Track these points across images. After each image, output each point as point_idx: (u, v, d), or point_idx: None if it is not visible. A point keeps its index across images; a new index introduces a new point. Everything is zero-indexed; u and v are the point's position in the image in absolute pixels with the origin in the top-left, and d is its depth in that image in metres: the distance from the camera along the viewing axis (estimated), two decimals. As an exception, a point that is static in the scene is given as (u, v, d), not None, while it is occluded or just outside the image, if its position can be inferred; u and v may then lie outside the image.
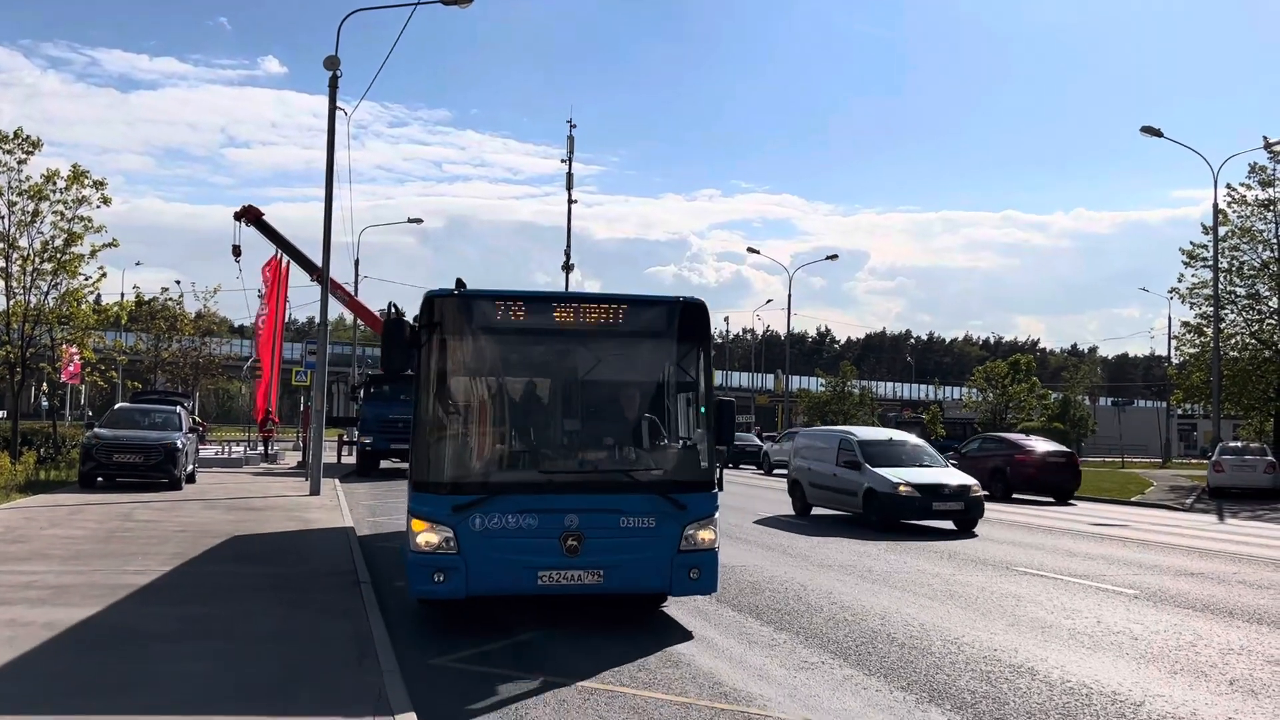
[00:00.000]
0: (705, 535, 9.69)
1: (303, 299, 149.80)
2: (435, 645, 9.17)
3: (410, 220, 47.09)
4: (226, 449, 38.06)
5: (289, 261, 35.73)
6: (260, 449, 38.46)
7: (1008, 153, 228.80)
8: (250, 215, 35.70)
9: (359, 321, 47.87)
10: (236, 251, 35.87)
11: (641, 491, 9.57)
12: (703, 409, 9.97)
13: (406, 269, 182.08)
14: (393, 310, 10.98)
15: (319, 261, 26.78)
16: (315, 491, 23.55)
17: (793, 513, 23.12)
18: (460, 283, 9.81)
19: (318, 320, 27.24)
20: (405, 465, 33.97)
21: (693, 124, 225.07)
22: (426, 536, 9.18)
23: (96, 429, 24.73)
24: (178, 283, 51.71)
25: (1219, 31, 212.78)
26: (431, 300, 9.55)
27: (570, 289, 46.80)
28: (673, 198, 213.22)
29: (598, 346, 10.06)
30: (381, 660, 8.04)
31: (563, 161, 53.84)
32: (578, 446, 10.15)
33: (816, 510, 22.88)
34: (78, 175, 26.06)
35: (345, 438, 40.51)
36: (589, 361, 10.15)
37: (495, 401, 10.05)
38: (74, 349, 30.23)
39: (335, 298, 37.16)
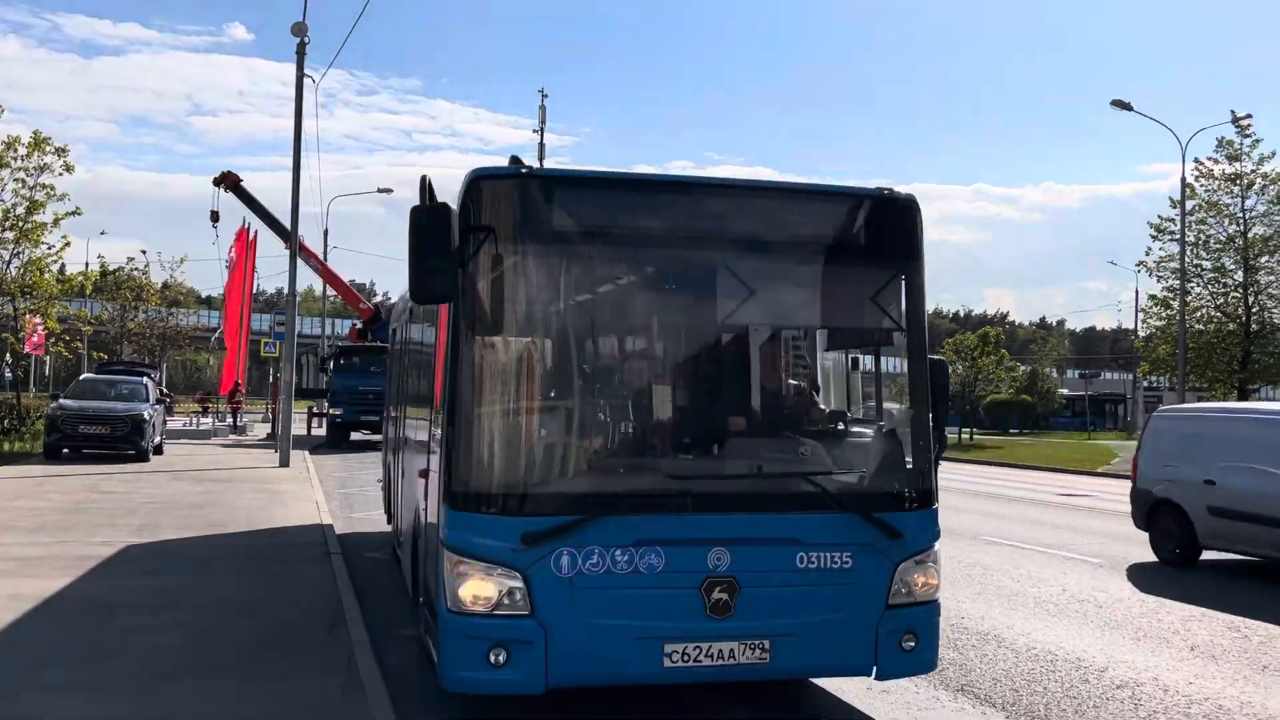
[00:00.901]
0: (925, 579, 6.20)
1: (274, 269, 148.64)
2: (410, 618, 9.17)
3: (380, 190, 46.69)
4: (194, 421, 37.77)
5: (256, 232, 35.50)
6: (229, 420, 38.19)
7: (977, 126, 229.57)
8: (229, 181, 35.43)
9: (329, 292, 47.52)
10: (215, 217, 35.60)
11: (830, 509, 5.99)
12: (913, 374, 6.37)
13: (376, 239, 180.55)
14: (428, 188, 5.89)
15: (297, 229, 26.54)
16: (285, 463, 23.41)
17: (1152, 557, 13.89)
18: (517, 160, 6.08)
19: (286, 291, 27.00)
20: (377, 437, 33.92)
21: (667, 95, 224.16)
22: (476, 587, 5.60)
23: (62, 400, 24.44)
24: (143, 252, 51.02)
25: (1190, 5, 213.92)
26: (478, 184, 5.81)
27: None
28: (644, 169, 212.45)
29: (751, 268, 6.22)
30: (352, 631, 8.04)
31: (535, 132, 53.40)
32: (720, 435, 6.34)
33: (1212, 555, 13.57)
34: (39, 142, 25.67)
35: (315, 409, 40.30)
36: (735, 294, 6.25)
37: (584, 359, 6.32)
38: (38, 319, 29.83)
39: (309, 265, 36.96)
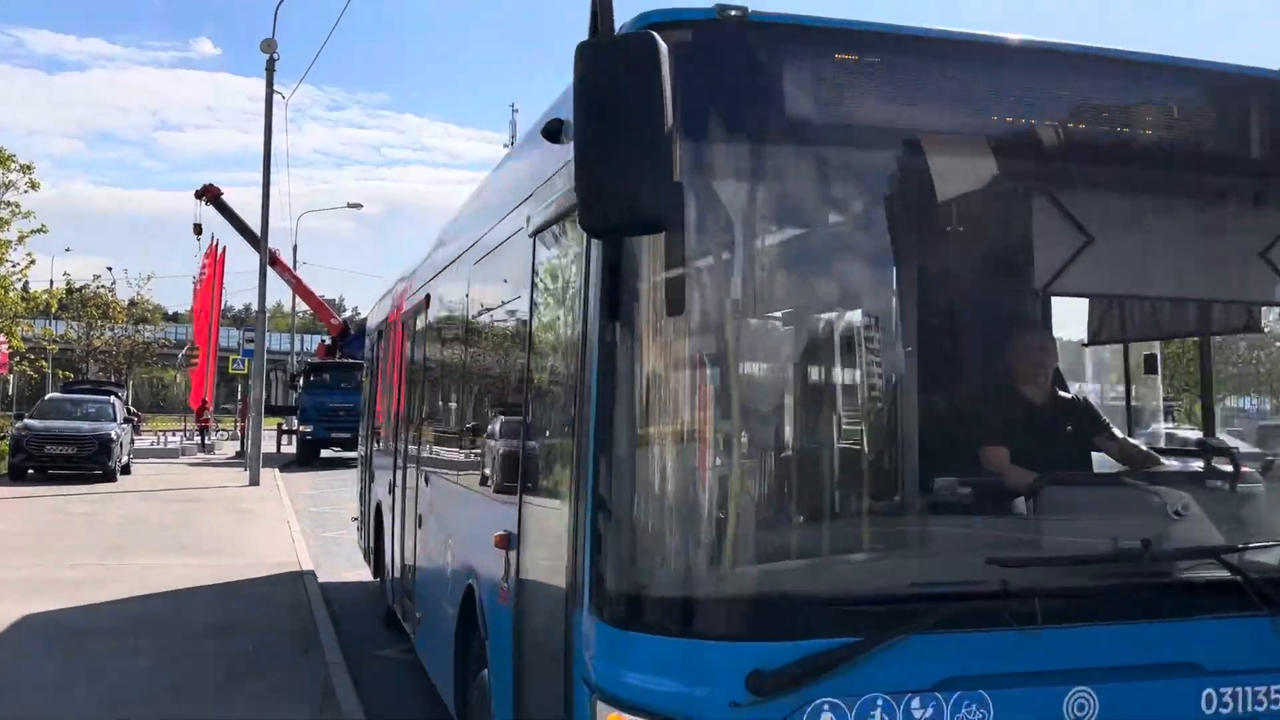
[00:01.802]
0: None
1: (241, 285, 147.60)
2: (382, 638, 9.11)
3: (350, 205, 46.48)
4: (162, 439, 37.37)
5: (225, 249, 35.37)
6: (197, 439, 37.80)
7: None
8: (210, 194, 35.26)
9: (299, 307, 47.20)
10: (198, 230, 35.45)
11: (1250, 610, 3.33)
12: None
13: (346, 254, 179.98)
14: (606, 6, 2.87)
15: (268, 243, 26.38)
16: (255, 482, 23.21)
17: None
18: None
19: (255, 307, 26.86)
20: (349, 455, 33.57)
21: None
22: None
23: (27, 420, 24.12)
24: (110, 269, 50.63)
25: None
26: (681, 28, 3.02)
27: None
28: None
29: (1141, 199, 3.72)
30: (327, 653, 7.97)
31: (505, 146, 53.54)
32: (1074, 486, 3.83)
33: None
34: (2, 159, 25.38)
35: (284, 426, 39.99)
36: (1112, 251, 3.61)
37: (850, 360, 3.65)
38: (2, 337, 29.45)
39: (283, 280, 36.76)
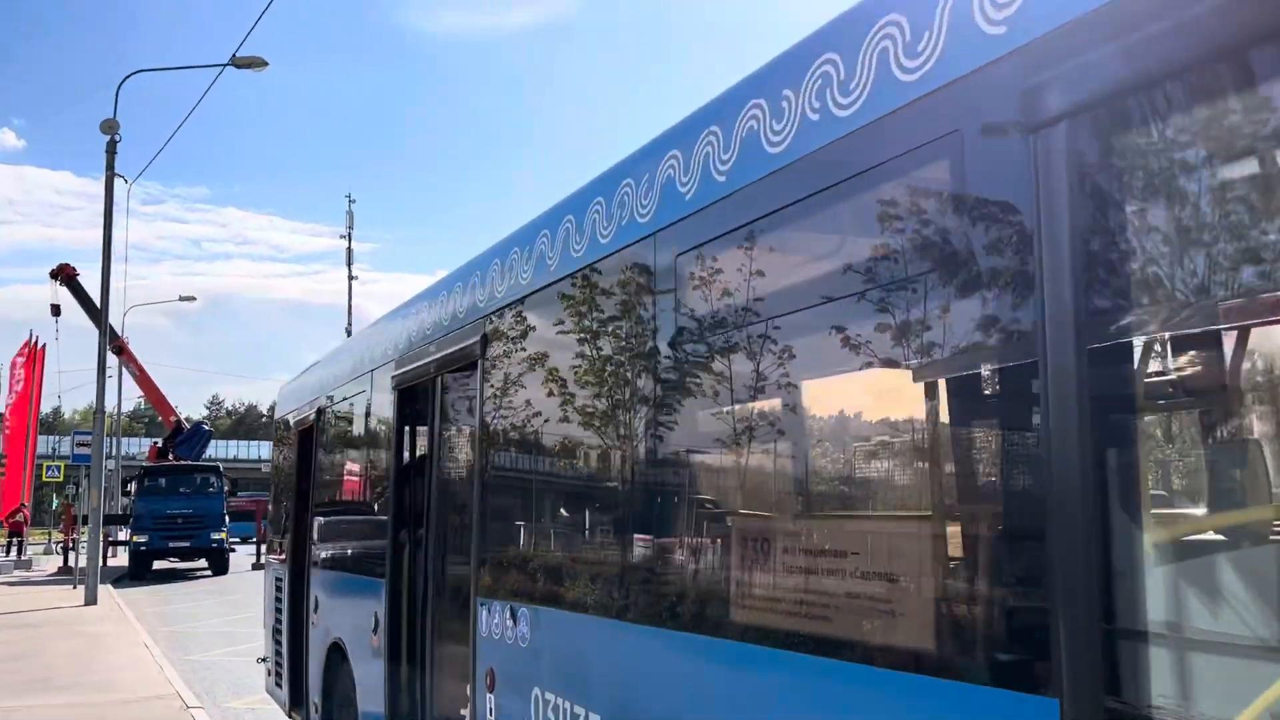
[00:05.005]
0: None
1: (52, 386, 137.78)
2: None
3: (182, 298, 43.84)
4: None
5: (44, 346, 32.87)
6: (13, 554, 34.39)
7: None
8: (65, 274, 32.81)
9: (123, 407, 43.94)
10: (56, 310, 32.91)
11: None
12: None
13: (161, 353, 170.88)
14: None
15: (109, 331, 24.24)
16: (92, 600, 20.87)
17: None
18: None
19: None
20: (183, 566, 31.15)
21: (470, 205, 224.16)
22: None
23: None
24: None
25: None
26: None
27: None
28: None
29: None
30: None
31: (342, 237, 51.91)
32: None
33: None
34: None
35: (110, 538, 36.90)
36: None
37: None
38: None
39: (128, 370, 34.22)
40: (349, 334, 49.13)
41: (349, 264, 51.98)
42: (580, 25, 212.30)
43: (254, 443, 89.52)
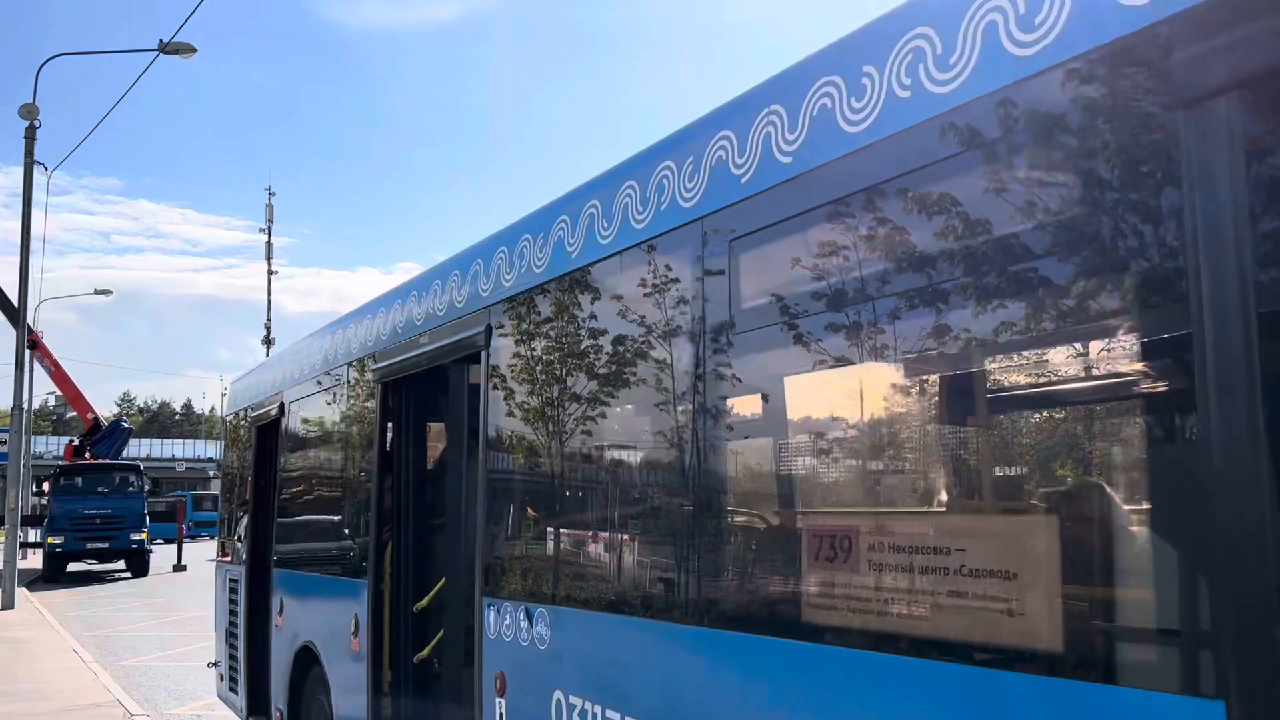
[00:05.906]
0: None
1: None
2: None
3: (97, 291, 42.36)
4: None
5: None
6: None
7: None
8: None
9: (35, 404, 42.34)
10: None
11: None
12: None
13: (70, 349, 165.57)
14: None
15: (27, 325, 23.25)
16: (9, 605, 20.07)
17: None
18: None
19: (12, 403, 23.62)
20: (101, 567, 30.10)
21: (389, 199, 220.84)
22: None
23: None
24: None
25: None
26: None
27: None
28: (369, 271, 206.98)
29: None
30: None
31: (261, 230, 50.90)
32: None
33: None
34: None
35: (23, 539, 35.57)
36: None
37: None
38: None
39: (43, 366, 32.79)
40: (268, 328, 48.04)
41: (269, 258, 50.83)
42: (500, 20, 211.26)
43: (169, 441, 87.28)
